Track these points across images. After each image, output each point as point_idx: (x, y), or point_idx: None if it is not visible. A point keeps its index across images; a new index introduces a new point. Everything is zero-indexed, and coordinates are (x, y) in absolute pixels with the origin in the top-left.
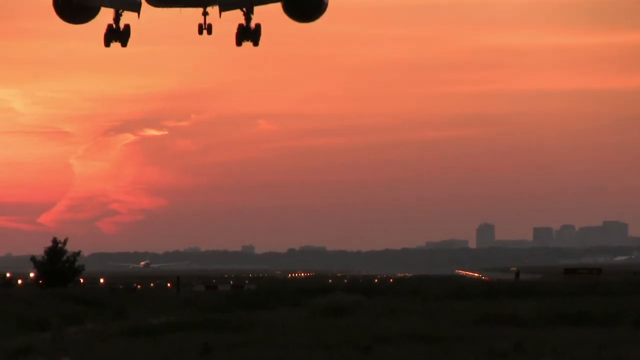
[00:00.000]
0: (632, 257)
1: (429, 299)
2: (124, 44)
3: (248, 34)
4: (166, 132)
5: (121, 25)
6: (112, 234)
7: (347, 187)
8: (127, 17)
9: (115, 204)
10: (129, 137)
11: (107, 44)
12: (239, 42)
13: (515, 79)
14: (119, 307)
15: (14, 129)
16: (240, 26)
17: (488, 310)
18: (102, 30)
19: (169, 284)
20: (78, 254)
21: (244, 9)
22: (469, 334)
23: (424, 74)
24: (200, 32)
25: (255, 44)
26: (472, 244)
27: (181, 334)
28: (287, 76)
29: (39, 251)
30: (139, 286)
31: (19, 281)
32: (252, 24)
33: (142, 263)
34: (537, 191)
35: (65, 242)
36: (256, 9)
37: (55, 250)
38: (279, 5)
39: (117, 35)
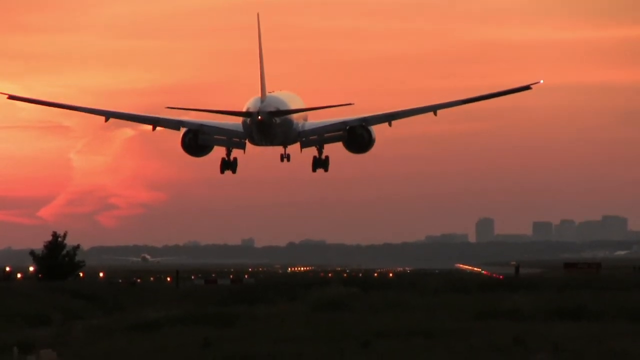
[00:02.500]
0: (632, 251)
1: (428, 293)
2: (234, 171)
3: (320, 163)
4: None
5: (231, 158)
6: (112, 227)
7: (347, 181)
8: (235, 152)
9: (115, 198)
10: (129, 132)
11: (222, 172)
12: (314, 169)
13: (514, 74)
14: (118, 301)
15: (14, 123)
16: (314, 157)
17: (487, 304)
18: (219, 160)
19: (168, 278)
20: (77, 247)
21: (317, 146)
22: (469, 328)
23: (423, 68)
24: (282, 160)
25: (326, 170)
26: (472, 238)
27: (181, 328)
28: (288, 70)
29: (38, 245)
30: (138, 280)
31: (19, 275)
32: (323, 156)
33: (141, 256)
34: (537, 186)
35: (64, 236)
36: (325, 145)
37: (55, 245)
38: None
39: (229, 165)
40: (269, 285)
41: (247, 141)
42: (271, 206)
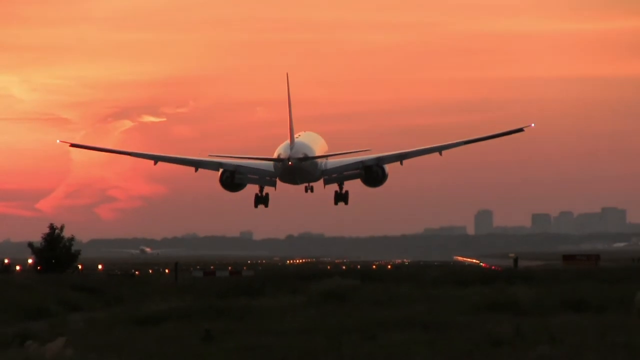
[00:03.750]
0: (631, 243)
1: (427, 285)
2: (266, 205)
3: (341, 197)
4: (164, 119)
5: (264, 194)
6: (111, 220)
7: None
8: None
9: (114, 190)
10: (127, 124)
11: (255, 206)
12: (335, 202)
13: (514, 66)
14: (117, 293)
15: (13, 115)
16: (336, 192)
17: (487, 296)
18: (252, 195)
19: (167, 270)
20: (72, 239)
21: (338, 183)
22: (469, 321)
23: (422, 60)
24: (306, 192)
25: (346, 203)
26: (471, 231)
27: (182, 320)
28: (285, 62)
29: (37, 237)
30: (137, 272)
31: (17, 267)
32: (343, 191)
33: (140, 249)
34: (536, 178)
35: (62, 229)
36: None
37: (53, 237)
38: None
39: (261, 200)
40: (269, 277)
41: (277, 180)
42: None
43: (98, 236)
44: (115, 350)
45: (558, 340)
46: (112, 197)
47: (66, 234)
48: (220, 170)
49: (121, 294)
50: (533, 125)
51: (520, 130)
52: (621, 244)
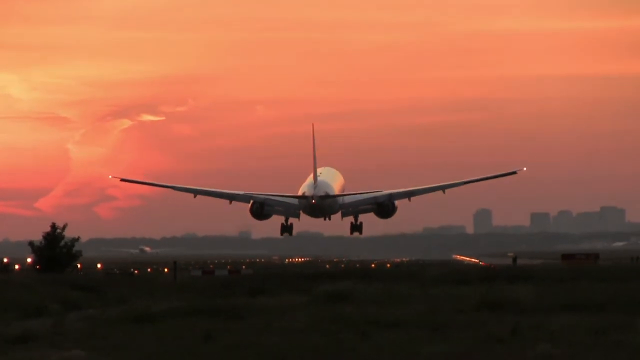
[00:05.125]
0: (630, 242)
1: (427, 284)
2: (291, 234)
3: (356, 228)
4: (163, 118)
5: (288, 223)
6: (110, 219)
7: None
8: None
9: (113, 189)
10: (126, 123)
11: (281, 234)
12: (351, 232)
13: (513, 64)
14: (117, 293)
15: (12, 114)
16: (351, 223)
17: (486, 295)
18: (279, 224)
19: (166, 269)
20: (77, 239)
21: (354, 215)
22: (469, 320)
23: (422, 60)
24: (325, 219)
25: (360, 233)
26: (470, 230)
27: (182, 319)
28: (285, 61)
29: (36, 236)
30: (136, 271)
31: (16, 266)
32: (358, 222)
33: (139, 248)
34: (535, 177)
35: (64, 228)
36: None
37: (54, 236)
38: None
39: (286, 229)
40: (268, 276)
41: (301, 212)
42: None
43: (97, 235)
44: (119, 350)
45: (557, 339)
46: (111, 196)
47: (67, 233)
48: (251, 202)
49: (120, 293)
50: (525, 169)
51: (513, 172)
52: (620, 243)
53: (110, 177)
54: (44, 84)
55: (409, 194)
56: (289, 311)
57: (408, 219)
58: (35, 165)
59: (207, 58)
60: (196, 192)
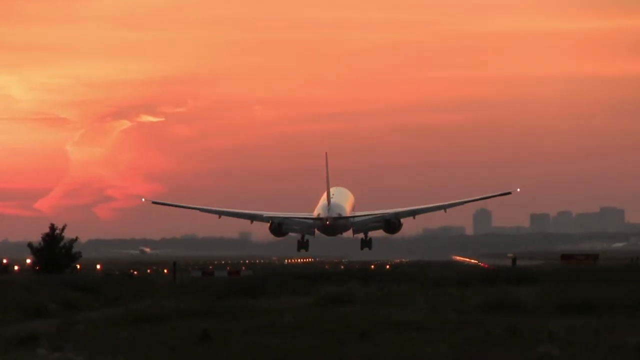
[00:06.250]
0: (629, 243)
1: (428, 285)
2: (307, 250)
3: (366, 243)
4: (163, 119)
5: (304, 241)
6: (109, 220)
7: (344, 173)
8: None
9: (112, 190)
10: (126, 123)
11: (298, 250)
12: (361, 248)
13: (512, 65)
14: (116, 293)
15: (11, 115)
16: (362, 239)
17: (487, 296)
18: (295, 241)
19: (165, 270)
20: (75, 240)
21: (364, 232)
22: (469, 321)
23: (422, 59)
24: (335, 235)
25: (370, 249)
26: (469, 231)
27: (181, 320)
28: (285, 61)
29: (35, 237)
30: (135, 272)
31: (15, 267)
32: (367, 238)
33: (139, 249)
34: (534, 177)
35: (63, 229)
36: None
37: (53, 237)
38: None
39: (303, 245)
40: (268, 277)
41: (316, 230)
42: (268, 199)
43: (96, 236)
44: (118, 351)
45: (557, 340)
46: (110, 197)
47: (66, 234)
48: (270, 222)
49: (120, 293)
50: (518, 189)
51: (507, 193)
52: (620, 244)
53: (143, 199)
54: (42, 85)
55: (413, 213)
56: (289, 312)
57: (408, 219)
58: (35, 165)
59: (206, 59)
60: (220, 214)
